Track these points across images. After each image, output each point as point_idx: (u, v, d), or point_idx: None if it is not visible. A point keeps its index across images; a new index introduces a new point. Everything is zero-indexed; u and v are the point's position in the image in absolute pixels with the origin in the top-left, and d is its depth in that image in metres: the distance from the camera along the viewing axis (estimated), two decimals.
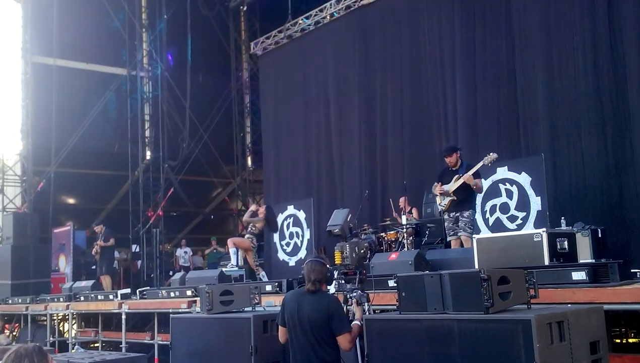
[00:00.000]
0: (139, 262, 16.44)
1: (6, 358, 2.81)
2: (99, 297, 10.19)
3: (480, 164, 7.53)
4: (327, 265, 4.46)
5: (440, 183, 7.78)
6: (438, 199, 7.89)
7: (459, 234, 7.60)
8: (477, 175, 7.63)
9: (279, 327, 4.52)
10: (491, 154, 7.51)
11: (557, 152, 9.04)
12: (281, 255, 11.79)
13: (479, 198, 8.28)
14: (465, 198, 7.61)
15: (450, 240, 7.84)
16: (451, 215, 7.71)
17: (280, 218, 11.79)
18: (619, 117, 8.49)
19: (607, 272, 4.50)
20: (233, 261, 9.49)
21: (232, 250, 9.69)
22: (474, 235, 5.96)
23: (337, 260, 4.64)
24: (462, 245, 7.54)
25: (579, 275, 4.51)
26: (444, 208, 7.78)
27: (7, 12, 16.70)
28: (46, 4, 16.20)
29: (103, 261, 13.04)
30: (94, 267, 15.51)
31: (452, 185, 7.59)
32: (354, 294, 4.56)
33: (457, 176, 7.59)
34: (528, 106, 9.58)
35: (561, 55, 9.24)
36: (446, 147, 8.10)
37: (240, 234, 10.16)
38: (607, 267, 4.55)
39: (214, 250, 17.04)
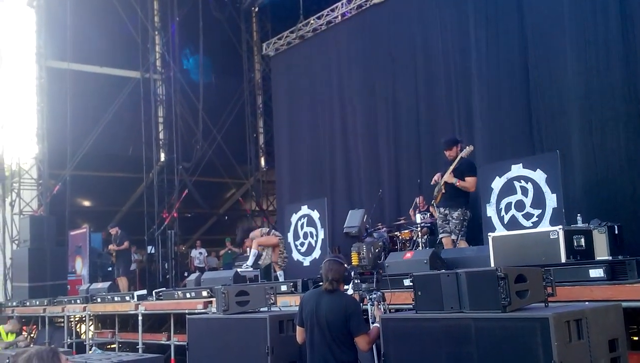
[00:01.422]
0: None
1: (20, 359, 2.84)
2: (116, 299, 10.27)
3: (458, 158, 7.65)
4: (345, 265, 4.47)
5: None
6: (435, 191, 7.96)
7: (452, 237, 7.64)
8: (470, 171, 7.60)
9: (297, 327, 4.53)
10: (468, 146, 7.77)
11: (571, 149, 8.96)
12: (295, 255, 11.78)
13: (494, 195, 8.24)
14: (454, 193, 7.64)
15: (441, 238, 7.88)
16: (441, 211, 7.76)
17: (294, 218, 11.78)
18: (631, 113, 8.42)
19: (625, 269, 4.44)
20: (249, 262, 9.51)
21: (252, 251, 9.74)
22: (489, 234, 5.93)
23: (354, 261, 4.64)
24: (455, 246, 7.56)
25: (596, 273, 4.47)
26: (434, 202, 7.84)
27: (21, 17, 16.88)
28: (59, 9, 16.35)
29: (120, 263, 13.18)
30: (110, 268, 15.67)
31: (445, 177, 7.67)
32: (374, 295, 4.56)
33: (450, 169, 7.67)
34: (541, 102, 9.51)
35: (573, 50, 9.16)
36: (446, 140, 8.05)
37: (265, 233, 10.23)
38: (625, 264, 4.50)
39: (229, 251, 17.11)
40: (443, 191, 7.72)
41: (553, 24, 9.45)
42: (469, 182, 7.68)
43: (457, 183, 7.60)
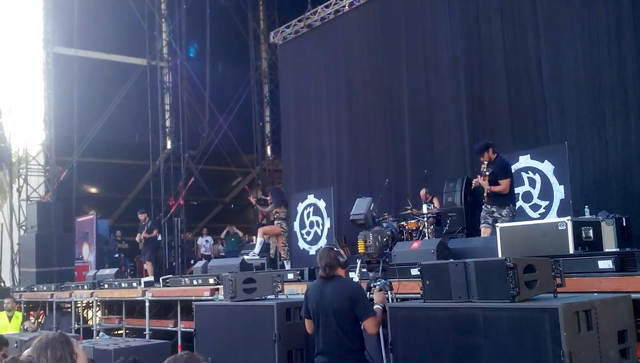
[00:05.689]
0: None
1: (31, 348, 2.83)
2: (123, 285, 10.32)
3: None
4: (336, 249, 4.44)
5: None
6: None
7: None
8: (502, 174, 7.51)
9: (305, 319, 4.51)
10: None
11: (581, 141, 8.95)
12: (301, 244, 11.83)
13: None
14: (497, 193, 7.51)
15: (480, 228, 7.72)
16: (488, 208, 7.62)
17: (300, 207, 11.83)
18: None
19: (634, 260, 4.43)
20: (256, 250, 9.55)
21: (259, 240, 9.79)
22: (497, 224, 5.93)
23: (361, 249, 4.64)
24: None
25: (605, 264, 4.46)
26: (484, 200, 7.76)
27: (28, 3, 16.88)
28: None
29: (146, 249, 13.09)
30: (116, 255, 15.74)
31: (480, 183, 7.47)
32: (378, 282, 4.56)
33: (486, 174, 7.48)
34: (552, 95, 9.48)
35: (585, 43, 9.13)
36: (478, 147, 7.73)
37: (271, 222, 10.25)
38: (634, 255, 4.49)
39: (229, 232, 16.99)
40: (487, 192, 7.58)
41: (565, 16, 9.40)
42: (503, 185, 7.38)
43: (490, 190, 7.40)
